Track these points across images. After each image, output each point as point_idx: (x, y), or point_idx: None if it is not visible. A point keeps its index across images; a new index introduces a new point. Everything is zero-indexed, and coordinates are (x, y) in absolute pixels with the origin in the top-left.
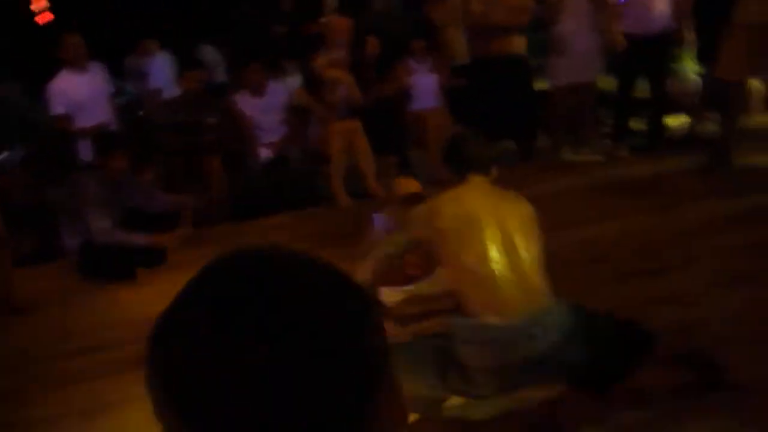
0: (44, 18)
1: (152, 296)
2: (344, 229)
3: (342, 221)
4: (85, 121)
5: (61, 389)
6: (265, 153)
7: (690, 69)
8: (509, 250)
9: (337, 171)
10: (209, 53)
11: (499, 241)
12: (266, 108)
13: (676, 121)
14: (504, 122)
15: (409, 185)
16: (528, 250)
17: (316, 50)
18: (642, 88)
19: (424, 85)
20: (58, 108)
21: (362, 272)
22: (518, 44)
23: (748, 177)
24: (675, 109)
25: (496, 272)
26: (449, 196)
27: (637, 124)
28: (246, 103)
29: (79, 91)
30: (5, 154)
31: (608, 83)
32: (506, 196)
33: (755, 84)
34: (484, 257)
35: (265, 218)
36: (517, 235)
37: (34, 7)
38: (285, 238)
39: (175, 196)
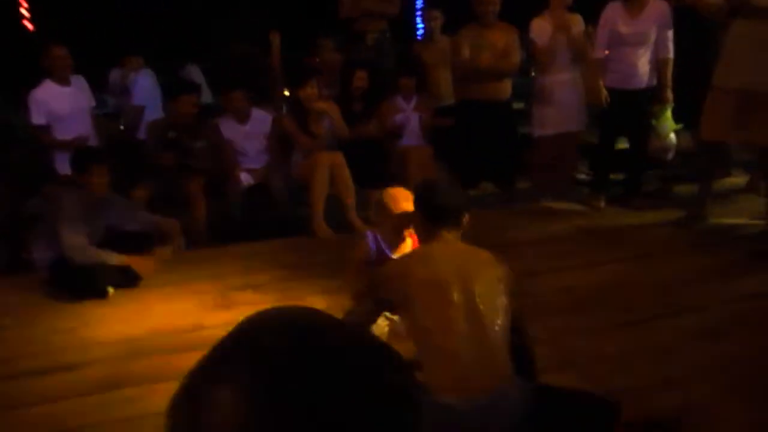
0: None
1: (122, 317)
2: (321, 259)
3: (320, 252)
4: (64, 133)
5: (20, 410)
6: (246, 179)
7: (668, 126)
8: (474, 322)
9: (317, 201)
10: (194, 74)
11: (464, 312)
12: (249, 134)
13: (653, 175)
14: (485, 165)
15: (401, 197)
16: (493, 323)
17: (305, 81)
18: (621, 141)
19: (410, 124)
20: (38, 118)
21: None
22: (503, 89)
23: (722, 233)
24: (652, 164)
25: (458, 347)
26: (417, 256)
27: (615, 176)
28: (229, 129)
29: (61, 104)
30: None
31: (589, 134)
32: (477, 258)
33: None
34: (446, 330)
35: (242, 245)
36: (484, 304)
37: None
38: (261, 265)
39: (158, 218)
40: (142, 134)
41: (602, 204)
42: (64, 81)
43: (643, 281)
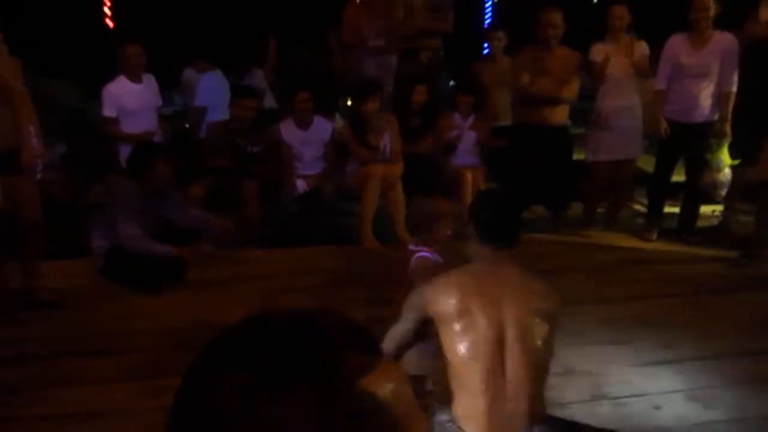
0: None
1: (168, 308)
2: (366, 269)
3: (365, 262)
4: (132, 127)
5: (54, 389)
6: (300, 186)
7: (722, 161)
8: (511, 356)
9: (367, 212)
10: (258, 78)
11: (501, 344)
12: (309, 141)
13: (708, 210)
14: (539, 189)
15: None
16: (532, 358)
17: (368, 96)
18: (678, 173)
19: (465, 142)
20: (108, 111)
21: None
22: (561, 115)
23: None
24: (708, 199)
25: (491, 381)
26: (460, 276)
27: (670, 208)
28: (290, 133)
29: (131, 99)
30: (50, 150)
31: (647, 163)
32: (527, 287)
33: None
34: (481, 361)
35: (291, 249)
36: (525, 338)
37: None
38: (307, 270)
39: (209, 215)
40: (204, 134)
41: (654, 236)
42: (136, 78)
43: (688, 320)
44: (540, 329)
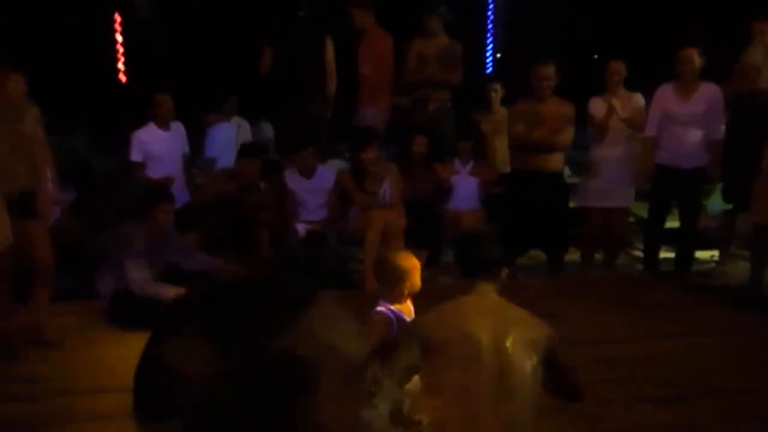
0: None
1: None
2: (367, 313)
3: (367, 306)
4: (157, 173)
5: (75, 424)
6: (301, 228)
7: (717, 205)
8: (500, 385)
9: (369, 257)
10: (266, 130)
11: (491, 374)
12: (313, 189)
13: (707, 255)
14: (536, 234)
15: (405, 257)
16: (520, 386)
17: (366, 145)
18: (673, 218)
19: (464, 187)
20: (135, 156)
21: None
22: (556, 161)
23: None
24: (703, 243)
25: (480, 410)
26: (449, 311)
27: (667, 254)
28: (294, 181)
29: (158, 146)
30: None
31: (644, 210)
32: (511, 317)
33: None
34: (470, 391)
35: None
36: (513, 367)
37: None
38: None
39: (213, 259)
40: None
41: (652, 279)
42: (164, 125)
43: (683, 359)
44: (529, 359)
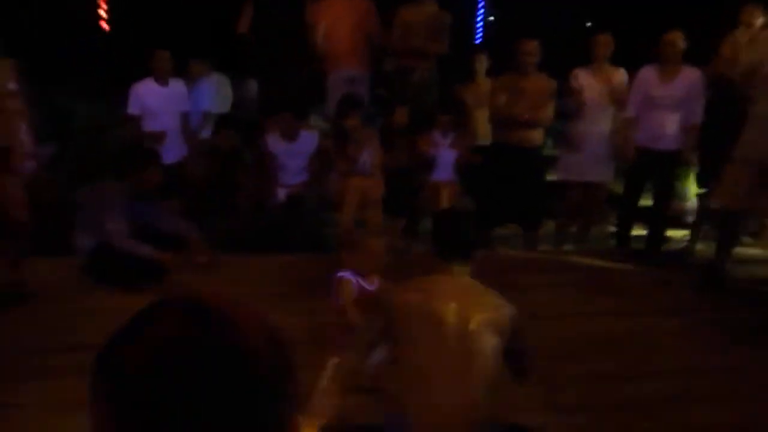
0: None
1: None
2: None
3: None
4: (153, 127)
5: (57, 380)
6: (281, 193)
7: (690, 189)
8: (460, 363)
9: (346, 222)
10: (252, 89)
11: (451, 352)
12: (294, 152)
13: (679, 235)
14: (512, 207)
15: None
16: (480, 365)
17: (349, 112)
18: (647, 198)
19: (444, 158)
20: (132, 108)
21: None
22: (535, 136)
23: (738, 298)
24: (675, 224)
25: (439, 386)
26: (418, 289)
27: (640, 231)
28: (276, 145)
29: (155, 100)
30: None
31: (619, 186)
32: (479, 298)
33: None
34: (431, 367)
35: (271, 256)
36: (474, 346)
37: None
38: (282, 277)
39: (183, 225)
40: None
41: (623, 257)
42: (163, 81)
43: (644, 338)
44: (491, 339)
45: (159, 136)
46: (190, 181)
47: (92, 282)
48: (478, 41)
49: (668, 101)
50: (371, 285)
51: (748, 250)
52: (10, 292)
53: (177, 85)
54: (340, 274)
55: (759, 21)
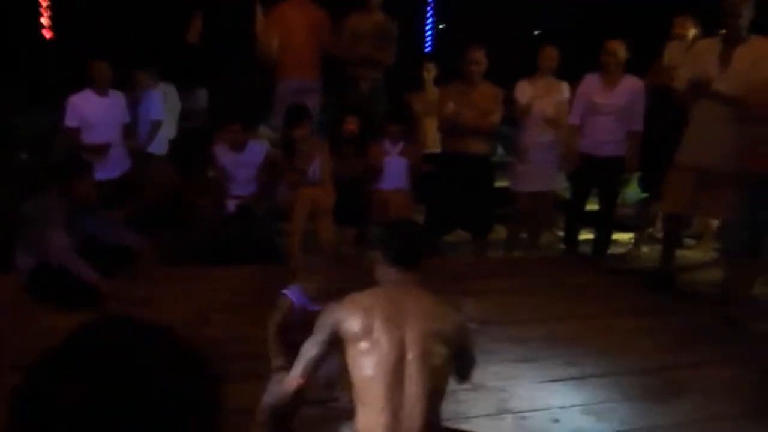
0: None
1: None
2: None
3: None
4: (93, 139)
5: None
6: (230, 205)
7: (633, 194)
8: (405, 374)
9: (295, 232)
10: (201, 99)
11: (396, 362)
12: (243, 163)
13: (623, 237)
14: (462, 214)
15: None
16: (426, 376)
17: (298, 122)
18: (593, 203)
19: (394, 167)
20: (70, 121)
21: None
22: (483, 144)
23: (684, 299)
24: (621, 228)
25: (385, 396)
26: (363, 301)
27: (587, 235)
28: (224, 155)
29: (94, 112)
30: None
31: (565, 192)
32: (427, 307)
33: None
34: (377, 377)
35: (220, 268)
36: (421, 356)
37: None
38: (231, 289)
39: (132, 235)
40: (153, 148)
41: (572, 260)
42: (102, 92)
43: (593, 340)
44: (439, 350)
45: (101, 149)
46: (145, 193)
47: (32, 300)
48: (427, 50)
49: (611, 109)
50: (316, 305)
51: (691, 253)
52: None
53: (116, 97)
54: (284, 291)
55: (691, 32)
